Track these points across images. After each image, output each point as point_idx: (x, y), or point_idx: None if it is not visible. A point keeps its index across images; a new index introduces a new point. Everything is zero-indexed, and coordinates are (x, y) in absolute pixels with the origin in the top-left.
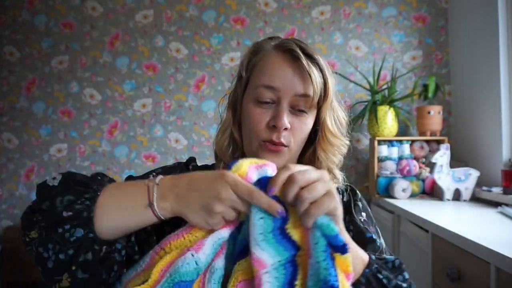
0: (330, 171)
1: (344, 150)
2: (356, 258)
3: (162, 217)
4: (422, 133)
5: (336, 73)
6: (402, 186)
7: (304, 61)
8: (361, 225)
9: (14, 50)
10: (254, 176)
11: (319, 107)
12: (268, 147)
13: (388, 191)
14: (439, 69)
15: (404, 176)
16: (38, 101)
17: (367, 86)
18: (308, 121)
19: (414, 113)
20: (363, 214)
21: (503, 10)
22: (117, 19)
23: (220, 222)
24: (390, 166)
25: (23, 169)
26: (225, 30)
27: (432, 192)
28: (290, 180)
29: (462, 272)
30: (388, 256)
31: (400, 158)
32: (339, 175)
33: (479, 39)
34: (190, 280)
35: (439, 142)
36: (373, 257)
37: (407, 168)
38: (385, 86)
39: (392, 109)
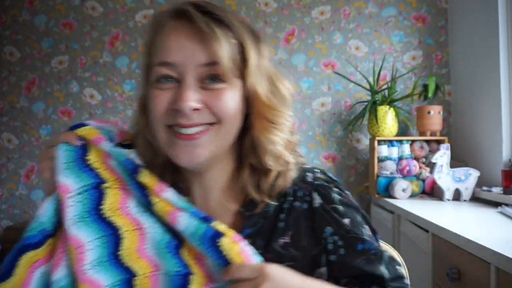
0: (276, 157)
1: (289, 124)
2: None
3: None
4: (422, 133)
5: (336, 73)
6: (402, 186)
7: (201, 19)
8: (349, 234)
9: (14, 50)
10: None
11: (243, 75)
12: (176, 136)
13: (388, 191)
14: (439, 69)
15: (404, 176)
16: (38, 101)
17: (367, 86)
18: (230, 94)
19: (414, 113)
20: (346, 220)
21: (503, 10)
22: (117, 19)
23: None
24: (390, 166)
25: (23, 169)
26: None
27: (432, 192)
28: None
29: (462, 272)
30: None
31: (400, 158)
32: (293, 157)
33: (479, 39)
34: (35, 242)
35: (439, 142)
36: None
37: (407, 168)
38: (385, 86)
39: (392, 109)
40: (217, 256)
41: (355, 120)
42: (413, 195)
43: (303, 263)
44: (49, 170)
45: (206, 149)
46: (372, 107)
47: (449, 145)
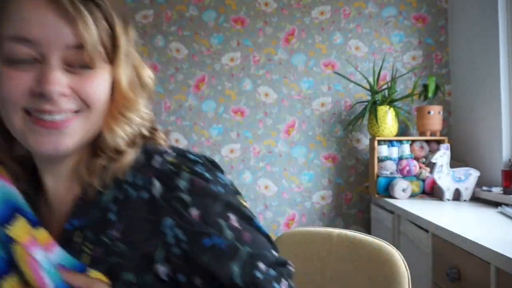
0: (118, 151)
1: (146, 116)
2: None
3: None
4: (422, 133)
5: (336, 73)
6: (402, 186)
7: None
8: (193, 228)
9: None
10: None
11: (114, 60)
12: (36, 123)
13: (388, 191)
14: (439, 69)
15: (404, 176)
16: None
17: (367, 86)
18: (100, 79)
19: (414, 113)
20: (193, 211)
21: (503, 10)
22: None
23: None
24: (390, 166)
25: None
26: (225, 30)
27: (432, 192)
28: None
29: (462, 272)
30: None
31: (400, 158)
32: (134, 152)
33: (479, 39)
34: None
35: (439, 142)
36: None
37: (407, 168)
38: (385, 86)
39: (392, 109)
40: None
41: (355, 120)
42: (413, 195)
43: (132, 260)
44: None
45: (74, 137)
46: (372, 107)
47: (449, 145)
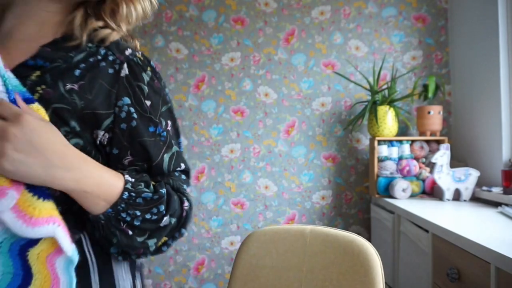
0: (122, 15)
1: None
2: (97, 197)
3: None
4: (422, 133)
5: (336, 73)
6: (402, 186)
7: None
8: (145, 113)
9: None
10: None
11: None
12: None
13: (388, 191)
14: (439, 69)
15: (404, 176)
16: None
17: (367, 86)
18: None
19: (414, 113)
20: (147, 101)
21: (503, 10)
22: None
23: None
24: (390, 166)
25: None
26: (225, 30)
27: (432, 192)
28: None
29: (462, 272)
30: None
31: (400, 158)
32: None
33: (479, 39)
34: None
35: (439, 142)
36: (128, 186)
37: (407, 168)
38: (385, 86)
39: (392, 109)
40: None
41: (355, 120)
42: (413, 195)
43: (79, 113)
44: None
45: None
46: (372, 107)
47: (449, 145)
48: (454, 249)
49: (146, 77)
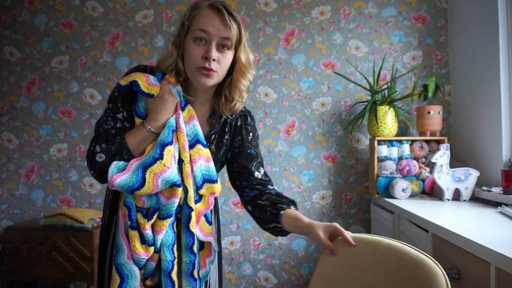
0: (241, 92)
1: (251, 78)
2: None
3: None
4: (422, 133)
5: (336, 73)
6: (402, 186)
7: (227, 16)
8: (247, 144)
9: (15, 50)
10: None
11: (236, 49)
12: (202, 71)
13: (388, 191)
14: (439, 69)
15: (404, 176)
16: (38, 101)
17: (367, 86)
18: (229, 57)
19: (414, 113)
20: (251, 134)
21: (503, 10)
22: (117, 19)
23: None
24: (390, 166)
25: (23, 169)
26: None
27: (432, 192)
28: None
29: (462, 272)
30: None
31: (400, 158)
32: (245, 97)
33: (479, 39)
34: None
35: (439, 142)
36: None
37: (407, 168)
38: (385, 86)
39: (392, 109)
40: None
41: (355, 120)
42: (413, 195)
43: (227, 147)
44: (173, 98)
45: (213, 81)
46: (372, 107)
47: (448, 145)
48: (454, 249)
49: (247, 122)
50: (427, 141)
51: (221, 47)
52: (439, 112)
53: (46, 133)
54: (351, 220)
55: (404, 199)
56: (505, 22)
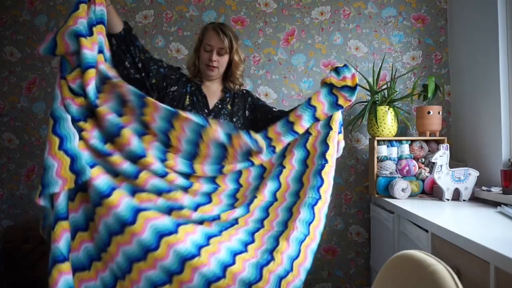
0: (237, 76)
1: (243, 68)
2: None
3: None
4: (421, 133)
5: None
6: (401, 186)
7: (221, 34)
8: (256, 100)
9: (15, 50)
10: None
11: (230, 52)
12: (208, 67)
13: (387, 191)
14: (438, 69)
15: (404, 176)
16: (38, 101)
17: (367, 86)
18: (225, 58)
19: (414, 113)
20: (255, 97)
21: (503, 10)
22: None
23: None
24: (390, 166)
25: (24, 169)
26: None
27: (432, 192)
28: None
29: (462, 272)
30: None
31: (400, 158)
32: (241, 80)
33: (479, 39)
34: None
35: (438, 142)
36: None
37: (407, 168)
38: (384, 86)
39: (391, 109)
40: None
41: (354, 120)
42: (412, 195)
43: (239, 112)
44: None
45: (214, 73)
46: (371, 107)
47: (448, 145)
48: (454, 248)
49: (250, 98)
50: (426, 141)
51: (220, 53)
52: (438, 112)
53: (46, 133)
54: (351, 220)
55: (403, 199)
56: (505, 22)
